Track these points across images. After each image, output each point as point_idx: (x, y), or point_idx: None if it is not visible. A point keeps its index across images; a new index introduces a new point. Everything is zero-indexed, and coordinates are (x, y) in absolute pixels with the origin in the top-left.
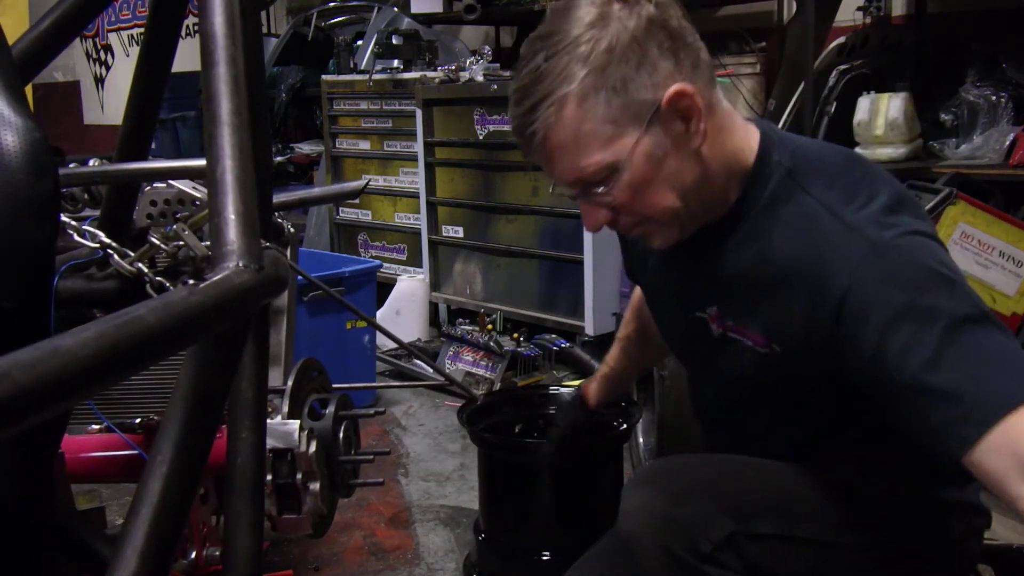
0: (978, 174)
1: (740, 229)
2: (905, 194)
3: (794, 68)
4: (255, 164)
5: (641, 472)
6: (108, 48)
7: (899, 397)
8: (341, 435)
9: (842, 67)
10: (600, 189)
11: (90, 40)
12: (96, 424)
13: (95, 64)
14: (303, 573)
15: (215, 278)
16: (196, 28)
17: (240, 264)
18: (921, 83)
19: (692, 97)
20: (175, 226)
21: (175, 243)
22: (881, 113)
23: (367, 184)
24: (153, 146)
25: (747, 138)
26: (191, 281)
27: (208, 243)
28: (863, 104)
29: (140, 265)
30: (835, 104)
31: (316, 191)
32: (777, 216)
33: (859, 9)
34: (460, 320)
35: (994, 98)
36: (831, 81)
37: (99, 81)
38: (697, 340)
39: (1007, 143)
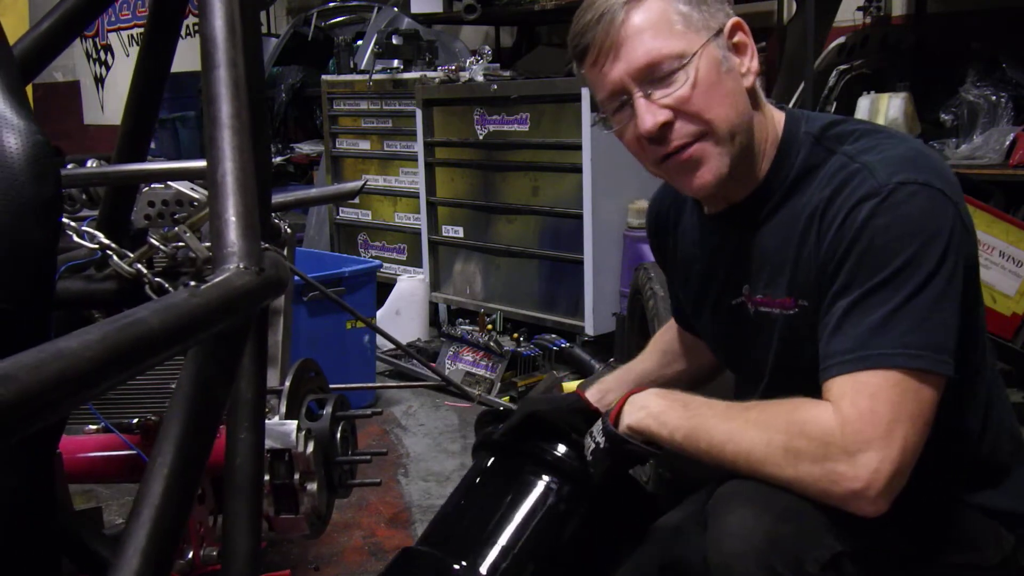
0: (978, 174)
1: (769, 203)
2: (927, 151)
3: (794, 68)
4: (255, 166)
5: (731, 489)
6: (108, 48)
7: (828, 319)
8: (339, 435)
9: (842, 67)
10: (666, 80)
11: (90, 40)
12: (93, 424)
13: (95, 64)
14: (303, 573)
15: (217, 280)
16: (196, 28)
17: (241, 266)
18: (921, 83)
19: (748, 34)
20: (176, 228)
21: (174, 244)
22: (881, 113)
23: (364, 184)
24: (153, 146)
25: (776, 117)
26: (192, 283)
27: (208, 244)
28: (863, 104)
29: (139, 266)
30: (835, 104)
31: (314, 192)
32: (808, 182)
33: (859, 9)
34: (460, 320)
35: (994, 98)
36: (831, 81)
37: (99, 81)
38: (737, 330)
39: (1007, 143)
